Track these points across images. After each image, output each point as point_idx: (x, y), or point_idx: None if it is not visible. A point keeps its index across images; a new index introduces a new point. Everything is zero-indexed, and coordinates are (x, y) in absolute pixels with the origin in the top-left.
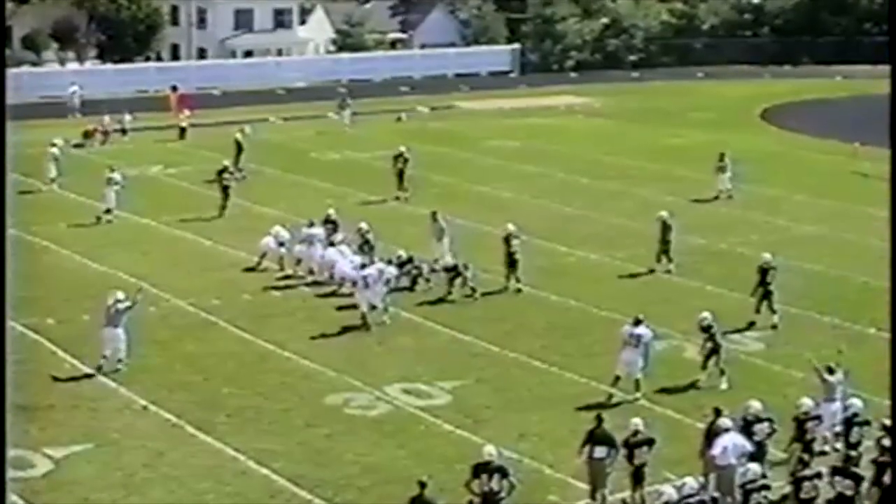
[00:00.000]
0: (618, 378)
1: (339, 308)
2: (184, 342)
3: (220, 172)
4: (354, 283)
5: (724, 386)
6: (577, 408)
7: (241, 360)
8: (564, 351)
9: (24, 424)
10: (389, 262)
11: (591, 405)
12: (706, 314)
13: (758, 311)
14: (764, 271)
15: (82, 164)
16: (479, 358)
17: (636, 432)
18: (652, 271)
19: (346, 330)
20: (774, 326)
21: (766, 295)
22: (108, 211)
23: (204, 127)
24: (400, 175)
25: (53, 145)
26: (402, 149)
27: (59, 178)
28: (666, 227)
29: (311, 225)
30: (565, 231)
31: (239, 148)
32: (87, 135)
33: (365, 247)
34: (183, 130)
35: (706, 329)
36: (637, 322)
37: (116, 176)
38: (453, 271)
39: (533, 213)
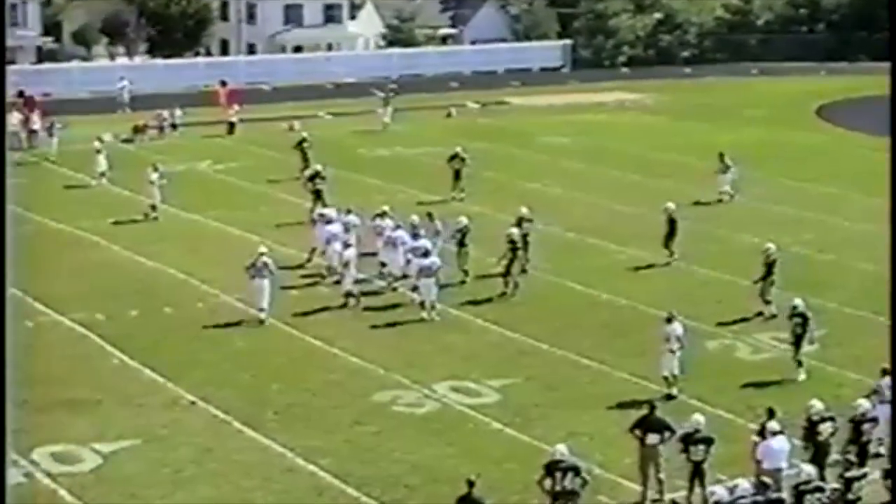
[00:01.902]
0: (666, 378)
1: (388, 306)
2: (232, 338)
3: (312, 178)
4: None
5: (801, 377)
6: (627, 407)
7: (290, 357)
8: (615, 349)
9: (71, 419)
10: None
11: (642, 404)
12: (798, 300)
13: (768, 301)
14: (771, 263)
15: (132, 159)
16: (529, 356)
17: (696, 430)
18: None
19: (394, 326)
20: (774, 316)
21: (765, 284)
22: (153, 207)
23: (253, 122)
24: (457, 175)
25: (100, 140)
26: (458, 149)
27: (109, 172)
28: (672, 220)
29: (384, 215)
30: (616, 229)
31: (304, 152)
32: (137, 130)
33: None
34: (232, 126)
35: (799, 315)
36: (669, 319)
37: (153, 175)
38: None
39: (583, 210)
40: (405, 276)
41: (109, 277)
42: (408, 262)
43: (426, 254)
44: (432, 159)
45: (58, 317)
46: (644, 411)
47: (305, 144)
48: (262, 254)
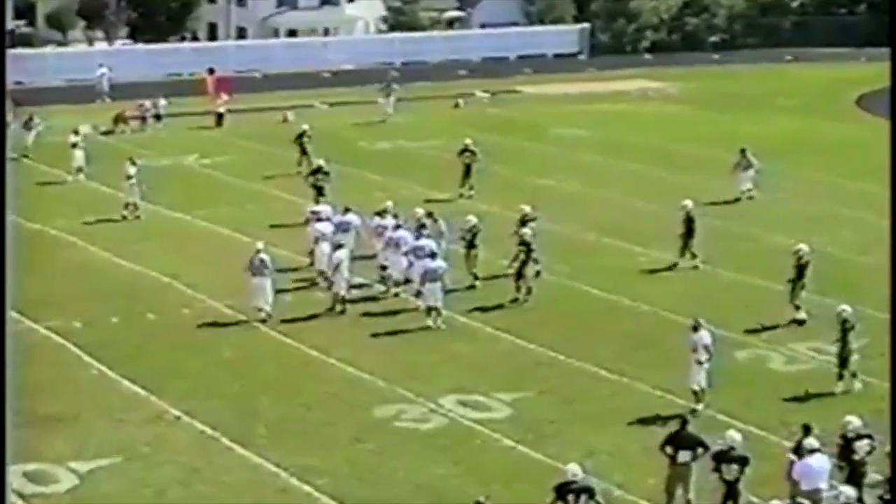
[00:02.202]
0: (695, 392)
1: (389, 313)
2: (220, 347)
3: (314, 173)
4: (408, 281)
5: (857, 386)
6: (649, 422)
7: (282, 367)
8: (636, 360)
9: (47, 436)
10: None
11: (666, 419)
12: (845, 306)
13: (797, 307)
14: (803, 265)
15: (112, 152)
16: (543, 367)
17: (731, 447)
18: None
19: (396, 334)
20: (803, 322)
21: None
22: (126, 206)
23: (243, 113)
24: (467, 170)
25: (76, 133)
26: (468, 142)
27: (87, 167)
28: (690, 219)
29: (384, 213)
30: (636, 228)
31: (303, 146)
32: (119, 119)
33: (422, 236)
34: (220, 117)
35: (844, 322)
36: (695, 327)
37: (130, 170)
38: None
39: (601, 208)
40: (408, 281)
41: (87, 281)
42: (410, 264)
43: (432, 255)
44: (438, 153)
45: (31, 324)
46: (673, 427)
47: (305, 139)
48: (259, 251)
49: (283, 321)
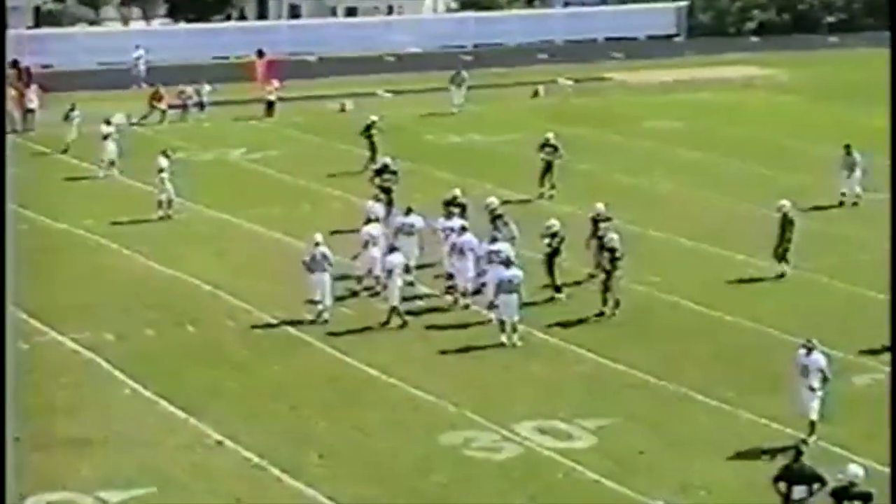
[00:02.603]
0: (812, 422)
1: (458, 326)
2: (267, 363)
3: (380, 172)
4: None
5: None
6: (752, 455)
7: (338, 388)
8: (738, 383)
9: (73, 461)
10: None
11: (773, 452)
12: None
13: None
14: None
15: (148, 144)
16: (632, 390)
17: (852, 483)
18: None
19: (466, 352)
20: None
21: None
22: (160, 204)
23: (296, 101)
24: (547, 167)
25: (108, 123)
26: (550, 135)
27: (119, 161)
28: (787, 222)
29: (452, 213)
30: (739, 234)
31: (371, 140)
32: (155, 102)
33: (499, 233)
34: (270, 105)
35: None
36: (808, 349)
37: (163, 162)
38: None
39: (699, 210)
40: (478, 291)
41: (119, 289)
42: (481, 273)
43: (507, 263)
44: (515, 148)
45: (57, 336)
46: (782, 459)
47: (374, 131)
48: (318, 244)
49: (337, 334)
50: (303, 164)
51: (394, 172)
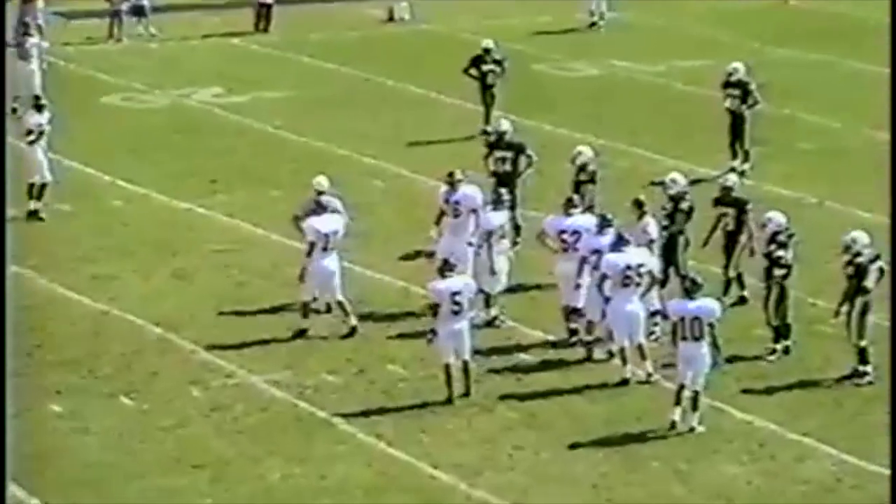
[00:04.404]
0: None
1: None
2: None
3: (495, 146)
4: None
5: None
6: None
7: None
8: None
9: None
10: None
11: None
12: None
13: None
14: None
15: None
16: None
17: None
18: None
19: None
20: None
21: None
22: (31, 189)
23: (313, 2)
24: (737, 122)
25: None
26: (736, 65)
27: None
28: None
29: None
30: None
31: (485, 85)
32: None
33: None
34: (266, 9)
35: None
36: None
37: (32, 118)
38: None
39: None
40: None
41: None
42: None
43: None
44: (690, 89)
45: None
46: None
47: (490, 68)
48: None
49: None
50: (324, 116)
51: (518, 150)
